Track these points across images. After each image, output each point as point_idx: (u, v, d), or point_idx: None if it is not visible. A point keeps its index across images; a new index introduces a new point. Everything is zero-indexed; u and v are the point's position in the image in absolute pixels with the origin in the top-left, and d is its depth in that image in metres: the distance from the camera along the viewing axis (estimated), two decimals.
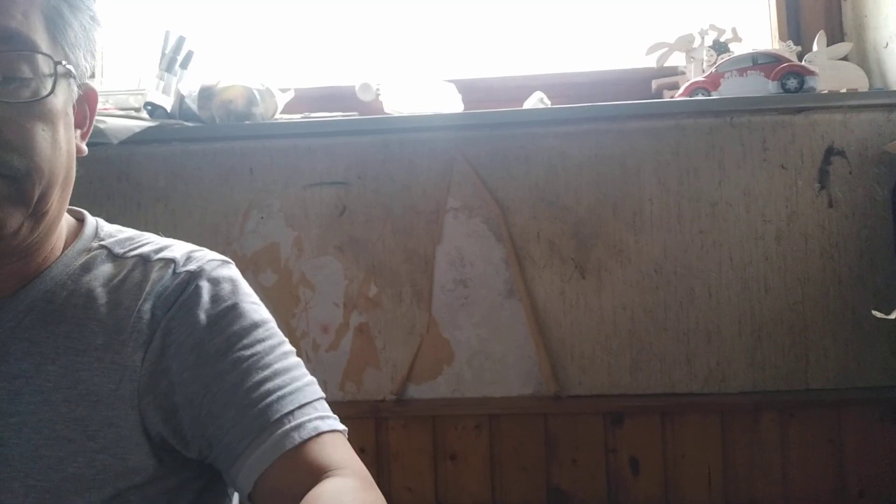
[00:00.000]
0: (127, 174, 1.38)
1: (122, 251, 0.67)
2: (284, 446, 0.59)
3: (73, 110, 0.62)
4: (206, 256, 0.68)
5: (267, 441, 0.59)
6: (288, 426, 0.60)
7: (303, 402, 0.62)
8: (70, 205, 0.67)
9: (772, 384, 1.29)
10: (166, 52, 1.36)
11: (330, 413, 0.64)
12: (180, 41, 1.37)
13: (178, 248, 0.68)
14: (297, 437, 0.59)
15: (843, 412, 1.28)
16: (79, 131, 0.65)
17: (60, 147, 0.59)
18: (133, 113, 1.31)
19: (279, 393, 0.61)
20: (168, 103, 1.34)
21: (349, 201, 1.35)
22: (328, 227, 1.35)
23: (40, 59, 0.56)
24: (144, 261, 0.66)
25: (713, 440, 1.29)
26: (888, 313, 1.10)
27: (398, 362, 1.33)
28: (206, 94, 1.31)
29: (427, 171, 1.34)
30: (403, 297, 1.34)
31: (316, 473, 0.59)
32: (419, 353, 1.33)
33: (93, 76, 0.63)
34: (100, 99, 1.36)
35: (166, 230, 1.35)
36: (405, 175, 1.35)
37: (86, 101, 0.66)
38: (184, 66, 1.37)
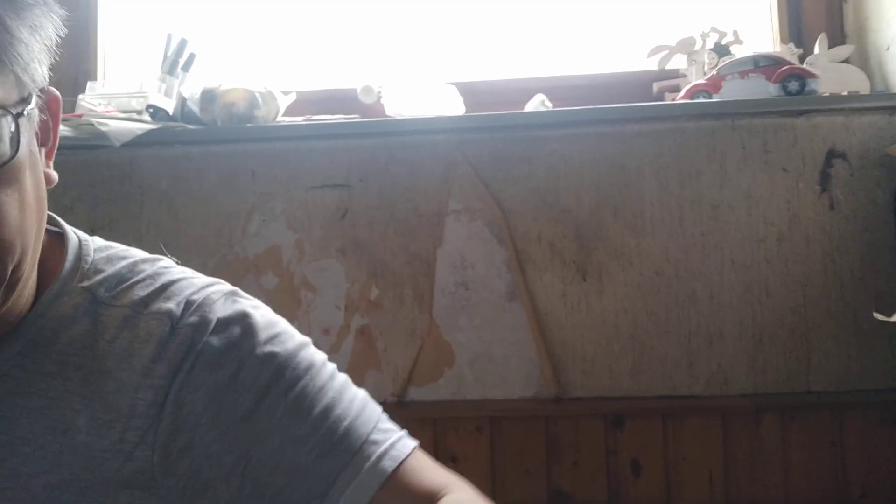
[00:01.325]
0: (129, 177, 1.38)
1: (108, 295, 0.56)
2: (373, 485, 0.52)
3: (37, 137, 0.52)
4: (207, 298, 0.57)
5: (349, 488, 0.52)
6: (369, 462, 0.53)
7: (367, 431, 0.55)
8: (58, 214, 0.59)
9: (773, 387, 1.29)
10: (168, 54, 1.37)
11: (396, 428, 0.58)
12: (182, 44, 1.37)
13: (174, 292, 0.57)
14: (385, 469, 0.53)
15: (845, 415, 1.28)
16: (43, 150, 0.54)
17: (30, 205, 0.49)
18: (135, 115, 1.32)
19: (338, 434, 0.54)
20: (170, 106, 1.34)
21: (351, 204, 1.36)
22: (330, 230, 1.36)
23: None
24: (135, 314, 0.55)
25: (714, 442, 1.29)
26: (889, 316, 1.10)
27: (399, 364, 1.33)
28: (208, 96, 1.31)
29: (429, 174, 1.35)
30: (405, 299, 1.34)
31: (426, 499, 0.54)
32: (420, 356, 1.33)
33: (48, 80, 0.52)
34: (102, 101, 1.36)
35: (168, 233, 1.36)
36: (407, 177, 1.35)
37: (47, 112, 0.53)
38: (186, 68, 1.38)
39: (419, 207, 1.35)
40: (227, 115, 1.30)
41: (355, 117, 1.39)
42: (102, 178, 1.38)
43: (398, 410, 1.31)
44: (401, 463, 0.54)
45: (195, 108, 1.32)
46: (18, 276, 0.50)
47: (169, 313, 0.55)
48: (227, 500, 0.52)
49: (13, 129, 0.47)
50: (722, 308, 1.30)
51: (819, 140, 1.30)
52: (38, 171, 0.52)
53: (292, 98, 1.37)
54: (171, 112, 1.34)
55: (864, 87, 1.30)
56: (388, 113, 1.36)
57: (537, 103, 1.33)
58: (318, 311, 1.35)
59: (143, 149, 1.35)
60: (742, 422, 1.29)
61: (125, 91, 1.41)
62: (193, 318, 0.55)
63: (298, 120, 1.37)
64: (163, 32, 1.39)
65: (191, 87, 1.36)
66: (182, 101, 1.35)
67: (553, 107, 1.34)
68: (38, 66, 0.49)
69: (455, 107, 1.35)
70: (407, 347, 1.34)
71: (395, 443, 0.56)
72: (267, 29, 1.59)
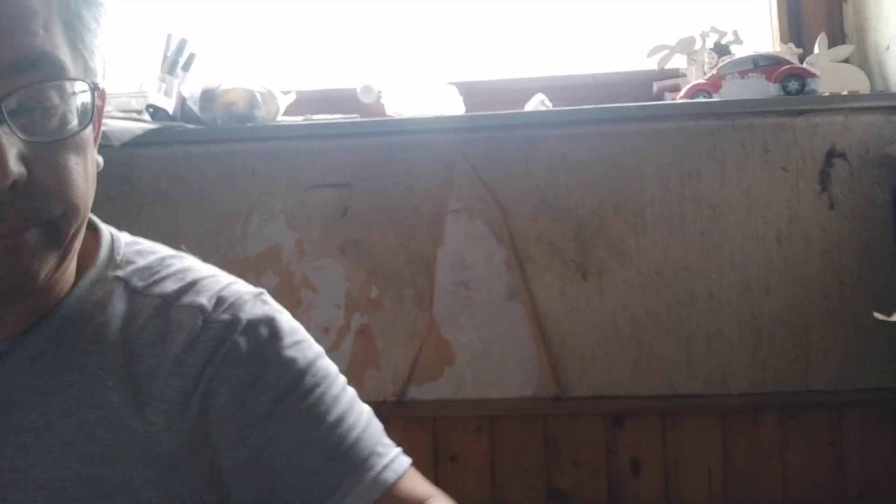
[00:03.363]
0: (129, 176, 1.38)
1: (141, 285, 0.59)
2: (371, 497, 0.56)
3: (93, 122, 0.55)
4: (238, 298, 0.60)
5: (348, 497, 0.55)
6: (369, 477, 0.56)
7: (370, 448, 0.58)
8: None
9: (772, 386, 1.29)
10: (168, 54, 1.37)
11: (393, 446, 0.61)
12: (182, 43, 1.37)
13: (205, 287, 0.60)
14: (383, 484, 0.57)
15: (844, 414, 1.28)
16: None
17: (91, 176, 0.53)
18: (135, 115, 1.32)
19: (345, 445, 0.57)
20: (170, 105, 1.34)
21: (350, 203, 1.36)
22: (329, 229, 1.36)
23: (70, 84, 0.49)
24: (167, 305, 0.58)
25: (714, 442, 1.29)
26: (889, 315, 1.10)
27: (399, 364, 1.34)
28: (207, 96, 1.31)
29: (428, 173, 1.35)
30: (404, 298, 1.34)
31: None
32: (420, 355, 1.33)
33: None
34: None
35: (168, 232, 1.36)
36: (406, 177, 1.35)
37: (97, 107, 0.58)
38: (185, 68, 1.38)
39: (419, 207, 1.35)
40: (227, 114, 1.30)
41: (355, 117, 1.39)
42: (101, 178, 1.36)
43: (398, 409, 1.31)
44: (399, 478, 0.58)
45: (195, 108, 1.32)
46: (73, 246, 0.53)
47: (201, 308, 0.58)
48: (238, 491, 0.55)
49: (88, 100, 0.50)
50: (721, 307, 1.31)
51: (819, 140, 1.30)
52: (94, 150, 0.55)
53: (292, 98, 1.37)
54: (170, 112, 1.34)
55: (863, 87, 1.30)
56: (387, 113, 1.36)
57: (537, 103, 1.34)
58: (318, 310, 1.35)
59: (142, 148, 1.35)
60: (741, 421, 1.29)
61: (125, 91, 1.41)
62: (225, 316, 0.57)
63: (298, 119, 1.38)
64: (163, 32, 1.39)
65: (191, 86, 1.36)
66: (182, 101, 1.35)
67: (553, 106, 1.34)
68: (98, 58, 0.54)
69: (455, 106, 1.35)
70: (406, 347, 1.34)
71: (396, 457, 0.59)
72: (267, 28, 1.59)
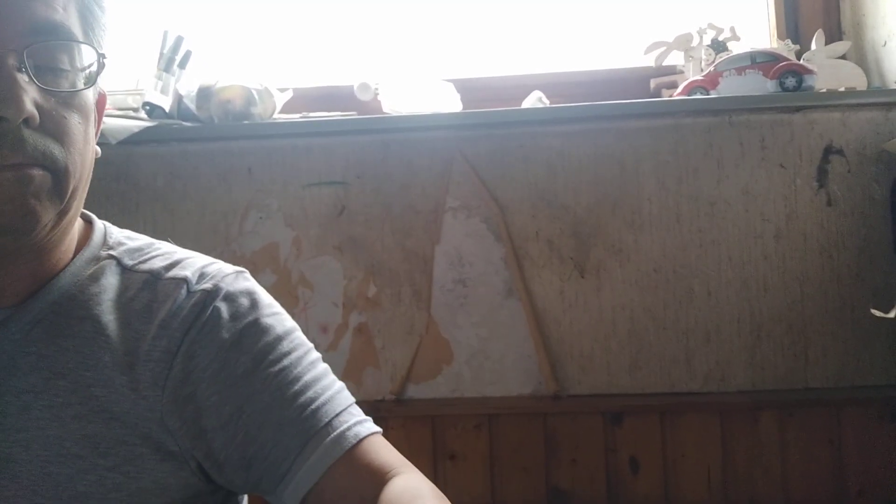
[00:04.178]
0: (125, 174, 1.38)
1: (131, 263, 0.64)
2: (335, 454, 0.59)
3: (95, 109, 0.61)
4: (219, 271, 0.65)
5: (315, 453, 0.59)
6: (333, 434, 0.59)
7: (339, 410, 0.62)
8: None
9: (771, 383, 1.29)
10: (164, 51, 1.36)
11: (364, 416, 0.64)
12: (178, 41, 1.36)
13: (189, 264, 0.65)
14: (346, 443, 0.59)
15: (843, 411, 1.28)
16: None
17: (90, 143, 0.59)
18: (131, 113, 1.31)
19: (315, 404, 0.61)
20: (166, 103, 1.34)
21: (348, 201, 1.35)
22: (327, 227, 1.35)
23: (80, 49, 0.56)
24: (155, 278, 0.63)
25: (713, 439, 1.29)
26: (887, 312, 1.10)
27: (397, 362, 1.33)
28: (204, 93, 1.31)
29: (426, 171, 1.34)
30: (402, 296, 1.34)
31: (377, 474, 0.59)
32: (418, 353, 1.33)
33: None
34: None
35: (165, 230, 1.35)
36: (404, 175, 1.35)
37: (97, 103, 0.63)
38: (182, 65, 1.37)
39: (416, 204, 1.34)
40: (224, 112, 1.30)
41: (352, 114, 1.38)
42: (98, 176, 1.36)
43: (397, 408, 1.30)
44: (361, 440, 0.61)
45: (191, 106, 1.32)
46: (70, 206, 0.57)
47: (185, 279, 0.63)
48: (219, 446, 0.59)
49: (93, 63, 0.57)
50: (719, 304, 1.30)
51: (816, 136, 1.30)
52: (94, 132, 0.60)
53: (289, 95, 1.37)
54: (167, 109, 1.33)
55: (860, 83, 1.30)
56: (385, 110, 1.36)
57: (534, 100, 1.33)
58: (316, 308, 1.34)
59: (139, 146, 1.35)
60: (740, 418, 1.29)
61: (121, 88, 1.41)
62: (207, 285, 0.63)
63: (295, 117, 1.37)
64: (159, 29, 1.38)
65: (187, 84, 1.35)
66: (178, 99, 1.34)
67: (550, 103, 1.34)
68: (103, 50, 0.59)
69: (452, 104, 1.35)
70: (405, 345, 1.33)
71: (363, 422, 0.63)
72: (263, 26, 1.59)
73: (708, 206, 1.31)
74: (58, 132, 0.54)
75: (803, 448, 1.28)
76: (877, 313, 1.12)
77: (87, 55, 0.57)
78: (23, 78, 0.51)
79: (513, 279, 1.32)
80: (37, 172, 0.52)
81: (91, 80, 0.57)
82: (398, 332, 1.34)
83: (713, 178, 1.31)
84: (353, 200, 1.35)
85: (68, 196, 0.56)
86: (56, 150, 0.53)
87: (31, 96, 0.51)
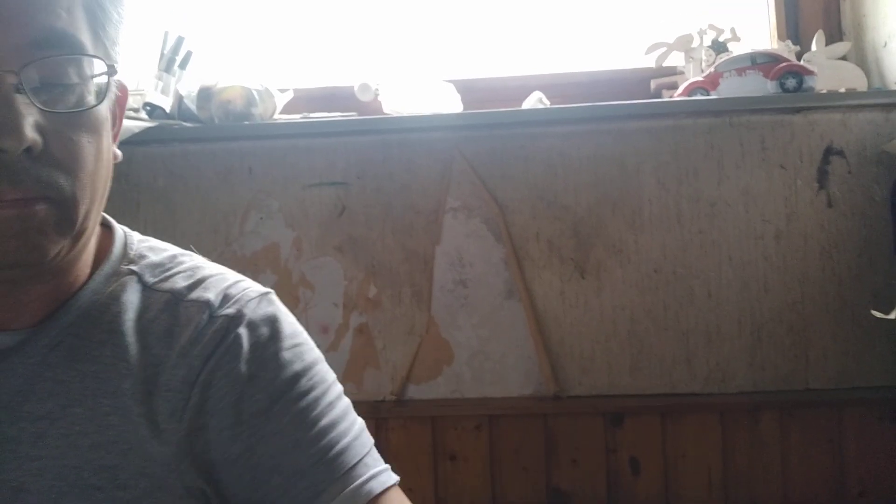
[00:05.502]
0: (126, 175, 1.38)
1: (153, 280, 0.61)
2: None
3: (111, 111, 0.57)
4: (244, 294, 0.61)
5: (333, 502, 0.55)
6: (346, 491, 0.56)
7: (354, 460, 0.58)
8: None
9: (772, 384, 1.29)
10: (165, 52, 1.36)
11: (381, 464, 0.60)
12: (179, 41, 1.37)
13: (212, 284, 0.61)
14: (359, 501, 0.56)
15: (843, 412, 1.28)
16: (111, 130, 0.58)
17: (103, 159, 0.54)
18: (132, 113, 1.31)
19: (330, 454, 0.57)
20: (167, 104, 1.34)
21: (348, 201, 1.35)
22: (327, 228, 1.35)
23: (87, 62, 0.51)
24: (176, 299, 0.59)
25: (713, 440, 1.29)
26: (887, 313, 1.10)
27: (398, 362, 1.33)
28: (204, 94, 1.31)
29: (426, 172, 1.34)
30: (403, 297, 1.34)
31: None
32: (419, 354, 1.33)
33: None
34: None
35: (165, 231, 1.35)
36: (404, 175, 1.35)
37: (116, 100, 0.59)
38: (183, 66, 1.37)
39: (417, 205, 1.34)
40: (224, 112, 1.30)
41: (353, 115, 1.38)
42: None
43: (397, 408, 1.30)
44: (384, 490, 0.58)
45: (192, 106, 1.32)
46: (84, 227, 0.54)
47: (208, 303, 0.59)
48: (226, 486, 0.56)
49: (104, 82, 0.52)
50: (720, 305, 1.30)
51: (816, 137, 1.30)
52: (110, 140, 0.56)
53: (289, 96, 1.37)
54: (167, 110, 1.34)
55: (861, 84, 1.30)
56: (385, 110, 1.36)
57: (535, 100, 1.33)
58: (317, 309, 1.35)
59: (139, 147, 1.35)
60: (740, 419, 1.29)
61: None
62: (230, 311, 0.59)
63: (295, 117, 1.37)
64: (160, 30, 1.38)
65: (188, 84, 1.35)
66: (179, 99, 1.35)
67: (551, 104, 1.34)
68: (118, 51, 0.55)
69: (453, 104, 1.35)
70: (405, 345, 1.33)
71: (383, 472, 0.59)
72: (264, 26, 1.59)
73: (708, 206, 1.31)
74: (64, 158, 0.49)
75: (804, 449, 1.28)
76: (877, 314, 1.12)
77: (97, 62, 0.52)
78: (22, 100, 0.46)
79: (513, 280, 1.32)
80: (40, 208, 0.49)
81: (102, 94, 0.52)
82: (399, 332, 1.34)
83: (713, 178, 1.31)
84: (353, 201, 1.35)
85: (80, 221, 0.52)
86: (62, 179, 0.49)
87: (32, 120, 0.47)
